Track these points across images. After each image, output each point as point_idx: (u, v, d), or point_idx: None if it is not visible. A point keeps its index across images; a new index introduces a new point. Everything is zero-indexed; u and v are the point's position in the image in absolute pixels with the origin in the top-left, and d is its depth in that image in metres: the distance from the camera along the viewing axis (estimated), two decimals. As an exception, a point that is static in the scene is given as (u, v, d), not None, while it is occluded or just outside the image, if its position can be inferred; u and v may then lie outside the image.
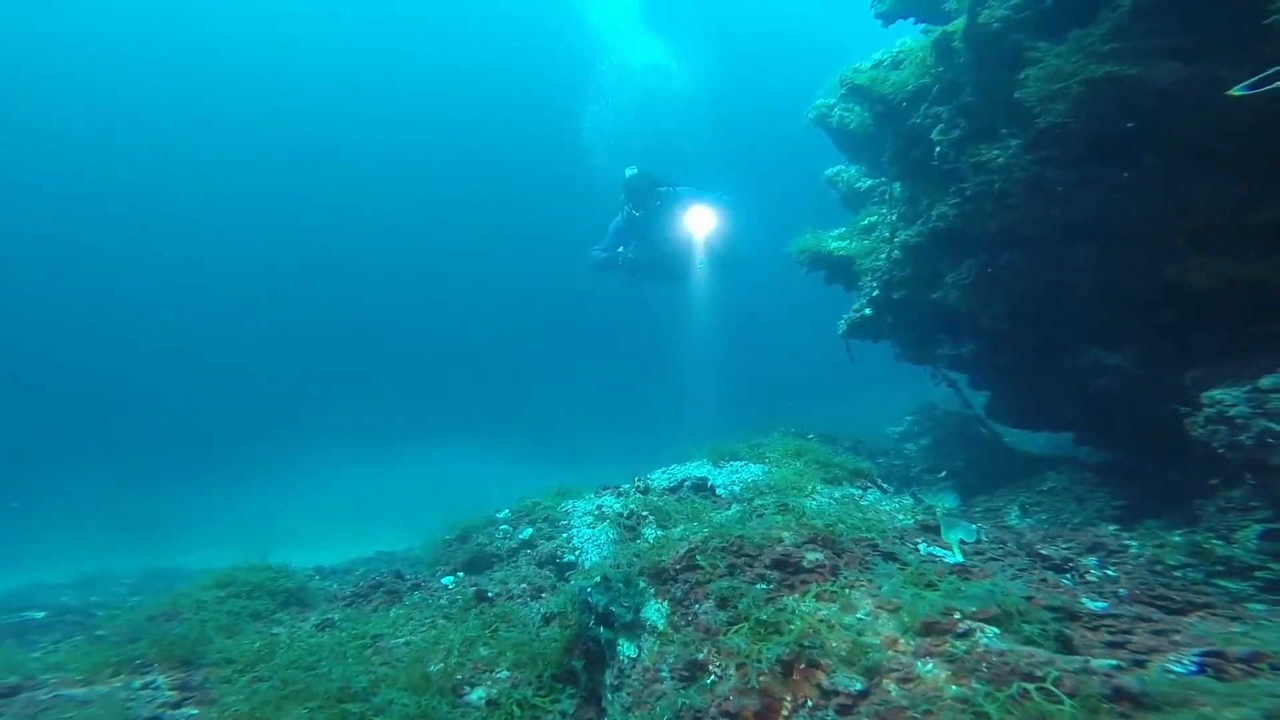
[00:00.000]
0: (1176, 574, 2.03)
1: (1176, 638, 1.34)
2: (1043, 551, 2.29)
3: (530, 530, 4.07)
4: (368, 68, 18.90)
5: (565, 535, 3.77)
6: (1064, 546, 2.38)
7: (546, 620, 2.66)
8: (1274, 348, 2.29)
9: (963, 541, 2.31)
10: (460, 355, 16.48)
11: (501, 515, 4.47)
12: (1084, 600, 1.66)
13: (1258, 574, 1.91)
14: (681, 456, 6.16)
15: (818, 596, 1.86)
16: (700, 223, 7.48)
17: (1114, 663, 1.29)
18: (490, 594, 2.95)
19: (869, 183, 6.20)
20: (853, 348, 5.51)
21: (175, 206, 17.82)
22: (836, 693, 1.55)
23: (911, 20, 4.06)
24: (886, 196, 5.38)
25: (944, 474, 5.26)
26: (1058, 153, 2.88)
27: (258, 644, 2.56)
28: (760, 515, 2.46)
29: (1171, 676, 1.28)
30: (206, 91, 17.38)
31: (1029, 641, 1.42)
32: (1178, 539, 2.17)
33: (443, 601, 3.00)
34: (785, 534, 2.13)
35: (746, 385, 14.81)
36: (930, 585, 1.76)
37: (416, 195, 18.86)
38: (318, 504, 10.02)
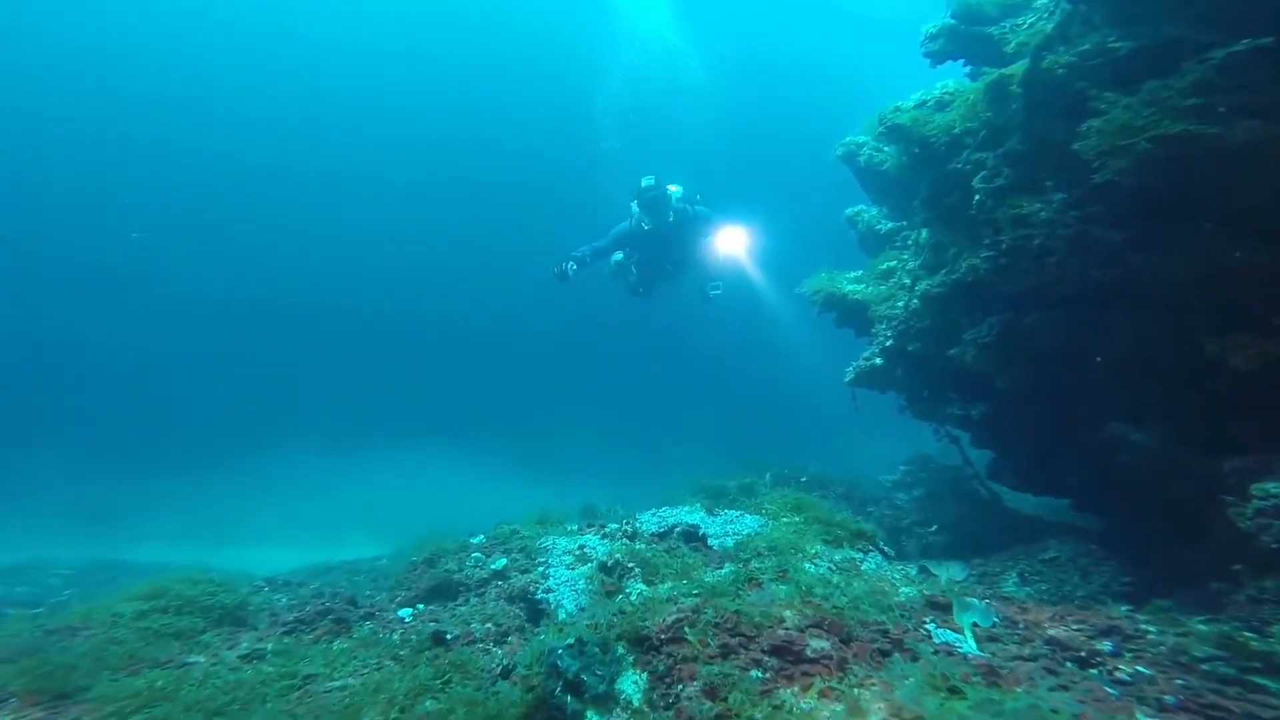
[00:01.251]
0: (1205, 667, 1.79)
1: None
2: (1056, 635, 2.05)
3: (504, 561, 3.77)
4: (354, 52, 18.35)
5: (541, 569, 3.48)
6: (1075, 628, 2.15)
7: (506, 674, 2.37)
8: None
9: (976, 626, 2.05)
10: (448, 359, 16.10)
11: (475, 540, 4.17)
12: (1139, 717, 1.40)
13: None
14: (670, 488, 5.91)
15: (821, 694, 1.59)
16: (733, 244, 7.20)
17: None
18: (449, 635, 2.66)
19: (890, 225, 6.03)
20: (858, 396, 5.28)
21: (149, 195, 17.35)
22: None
23: (961, 62, 3.92)
24: (910, 242, 5.21)
25: (935, 528, 5.05)
26: (1107, 210, 2.68)
27: (160, 681, 2.24)
28: (758, 584, 2.20)
29: None
30: (173, 82, 16.91)
31: None
32: (1203, 628, 1.97)
33: (395, 638, 2.71)
34: (788, 613, 1.86)
35: (743, 412, 14.54)
36: (955, 691, 1.50)
37: (404, 189, 18.37)
38: (289, 503, 9.66)
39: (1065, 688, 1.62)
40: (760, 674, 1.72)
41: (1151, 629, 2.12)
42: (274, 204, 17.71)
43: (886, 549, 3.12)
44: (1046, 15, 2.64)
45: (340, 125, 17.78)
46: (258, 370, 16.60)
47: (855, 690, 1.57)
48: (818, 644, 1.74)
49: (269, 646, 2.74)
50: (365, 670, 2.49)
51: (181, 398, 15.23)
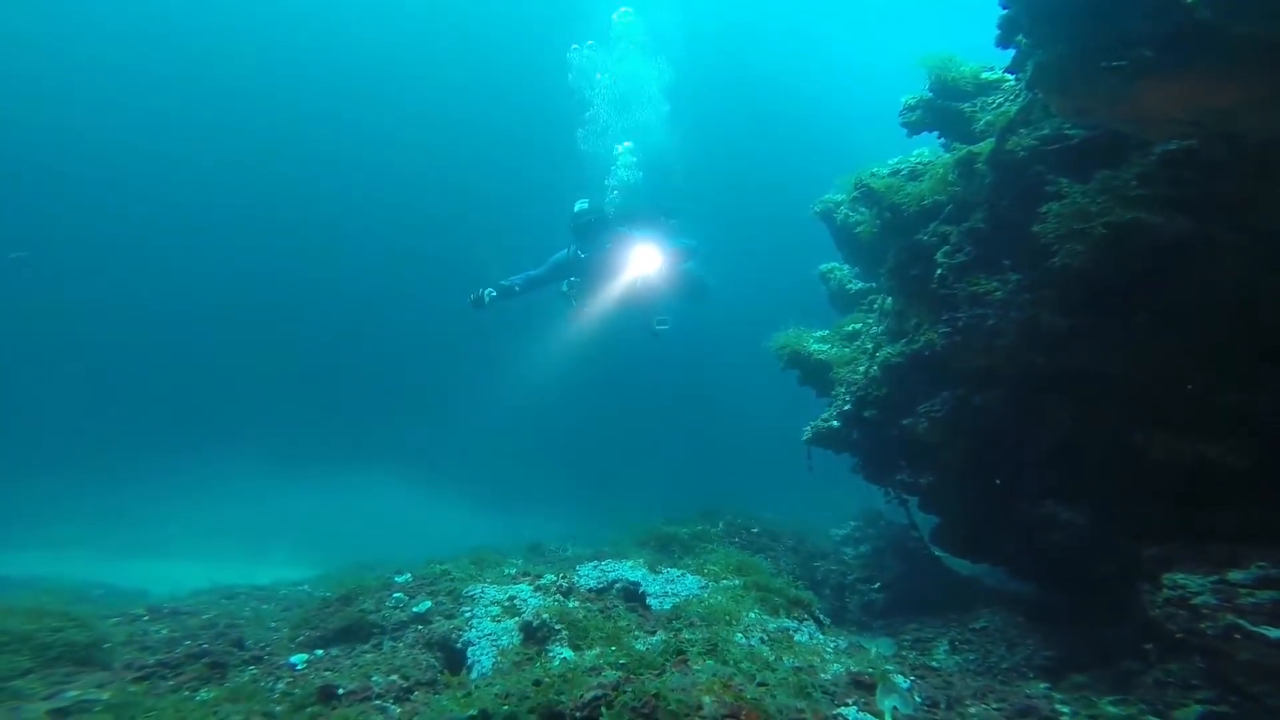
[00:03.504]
0: None
1: None
2: (975, 714, 1.99)
3: (429, 604, 3.52)
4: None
5: (466, 615, 3.25)
6: (995, 707, 2.12)
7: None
8: (1231, 535, 2.20)
9: (896, 710, 1.96)
10: (408, 382, 15.52)
11: (400, 579, 3.90)
12: None
13: None
14: (624, 530, 5.72)
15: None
16: (643, 265, 6.91)
17: None
18: (340, 691, 2.40)
19: (860, 285, 6.15)
20: (814, 455, 5.28)
21: (87, 182, 16.47)
22: None
23: (936, 134, 4.05)
24: (876, 306, 5.29)
25: (878, 585, 5.05)
26: (1058, 295, 2.75)
27: None
28: (684, 659, 2.05)
29: None
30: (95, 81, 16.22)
31: None
32: (1113, 709, 1.97)
33: (278, 688, 2.43)
34: (706, 699, 1.72)
35: (704, 451, 14.39)
36: None
37: (370, 194, 17.94)
38: (211, 514, 8.99)
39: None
40: (673, 769, 1.57)
41: (1065, 710, 2.14)
42: (233, 202, 17.04)
43: (822, 617, 3.02)
44: (1013, 97, 2.76)
45: (292, 127, 17.29)
46: (192, 370, 15.65)
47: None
48: (735, 737, 1.60)
49: (104, 696, 2.35)
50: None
51: (98, 392, 14.19)
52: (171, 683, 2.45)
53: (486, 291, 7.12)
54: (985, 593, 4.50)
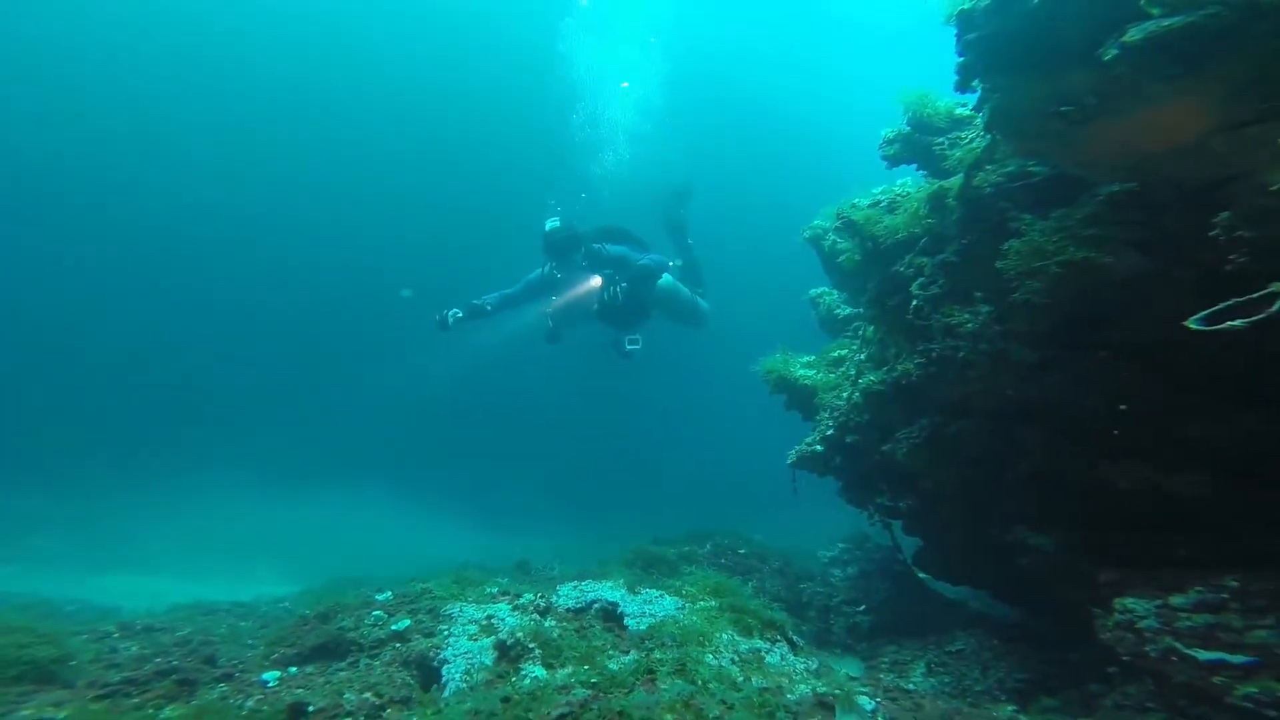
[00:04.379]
0: None
1: None
2: None
3: (408, 621, 3.56)
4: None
5: (444, 634, 3.28)
6: None
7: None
8: (1182, 563, 2.28)
9: None
10: (397, 396, 15.47)
11: (381, 597, 3.93)
12: None
13: None
14: (612, 551, 5.76)
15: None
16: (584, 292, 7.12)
17: None
18: (310, 709, 2.44)
19: (848, 311, 6.28)
20: (799, 478, 5.37)
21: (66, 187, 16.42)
22: None
23: (915, 166, 4.22)
24: (859, 334, 5.42)
25: (863, 608, 5.11)
26: (1025, 329, 2.87)
27: None
28: (652, 678, 2.11)
29: None
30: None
31: None
32: None
33: (247, 705, 2.45)
34: (668, 717, 1.78)
35: (695, 474, 14.39)
36: None
37: (358, 206, 17.91)
38: (192, 529, 8.94)
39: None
40: (632, 784, 1.63)
41: None
42: (216, 212, 17.05)
43: (796, 639, 3.08)
44: (981, 134, 2.91)
45: (282, 133, 17.37)
46: (175, 383, 15.57)
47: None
48: (695, 754, 1.67)
49: (60, 716, 2.37)
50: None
51: (77, 406, 14.09)
52: (136, 700, 2.47)
53: (451, 312, 7.19)
54: (965, 616, 4.59)
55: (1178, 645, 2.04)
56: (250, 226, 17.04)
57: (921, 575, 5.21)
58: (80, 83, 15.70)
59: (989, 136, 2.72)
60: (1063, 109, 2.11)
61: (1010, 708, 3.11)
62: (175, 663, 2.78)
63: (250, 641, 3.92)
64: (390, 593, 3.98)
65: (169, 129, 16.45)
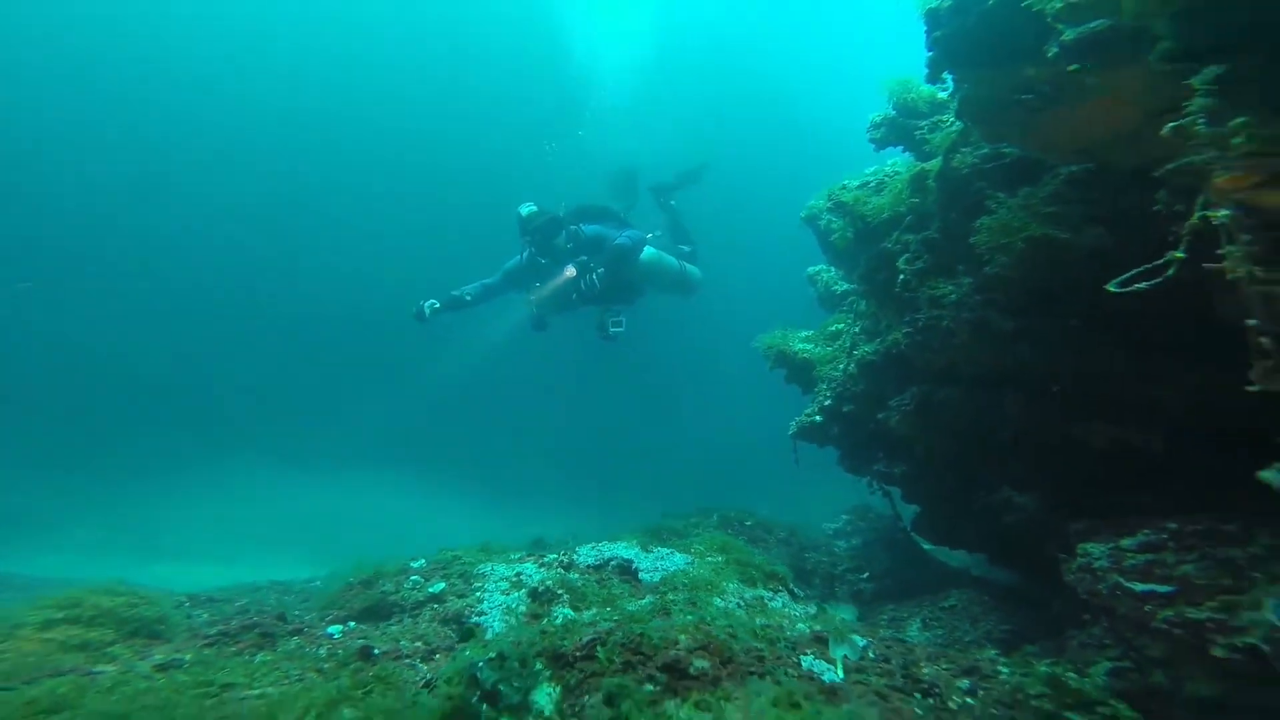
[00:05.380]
0: (1033, 703, 2.14)
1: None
2: (922, 672, 2.39)
3: (443, 585, 3.95)
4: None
5: (477, 594, 3.67)
6: (945, 667, 2.54)
7: (428, 686, 2.56)
8: (1144, 512, 2.57)
9: (846, 658, 2.38)
10: (407, 382, 15.88)
11: (416, 565, 4.33)
12: None
13: (1099, 709, 2.07)
14: (621, 526, 6.12)
15: (696, 704, 1.89)
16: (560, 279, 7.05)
17: None
18: (376, 651, 2.83)
19: (845, 287, 6.57)
20: (800, 449, 5.69)
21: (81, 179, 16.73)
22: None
23: (901, 148, 4.48)
24: (854, 308, 5.72)
25: (866, 575, 5.43)
26: (1002, 299, 3.16)
27: (62, 688, 2.32)
28: (668, 613, 2.47)
29: None
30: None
31: None
32: (1043, 669, 2.35)
33: (321, 652, 2.86)
34: (682, 636, 2.15)
35: (702, 452, 14.75)
36: (795, 705, 1.81)
37: (368, 194, 18.06)
38: (219, 518, 9.41)
39: (883, 700, 1.96)
40: (652, 687, 1.99)
41: (1005, 670, 2.52)
42: (238, 201, 17.39)
43: (796, 590, 3.43)
44: (955, 120, 3.18)
45: (284, 120, 17.61)
46: (196, 375, 16.05)
47: (723, 703, 1.86)
48: (700, 664, 2.03)
49: (187, 657, 2.84)
50: (287, 681, 2.63)
51: (107, 398, 14.59)
52: (234, 648, 2.89)
53: (428, 304, 7.20)
54: (959, 577, 4.90)
55: (1121, 580, 2.36)
56: (268, 217, 17.43)
57: (919, 541, 5.54)
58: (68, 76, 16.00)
59: (962, 122, 2.99)
60: (1022, 98, 2.39)
61: (993, 652, 3.46)
62: (255, 619, 3.19)
63: (298, 611, 4.34)
64: (423, 560, 4.38)
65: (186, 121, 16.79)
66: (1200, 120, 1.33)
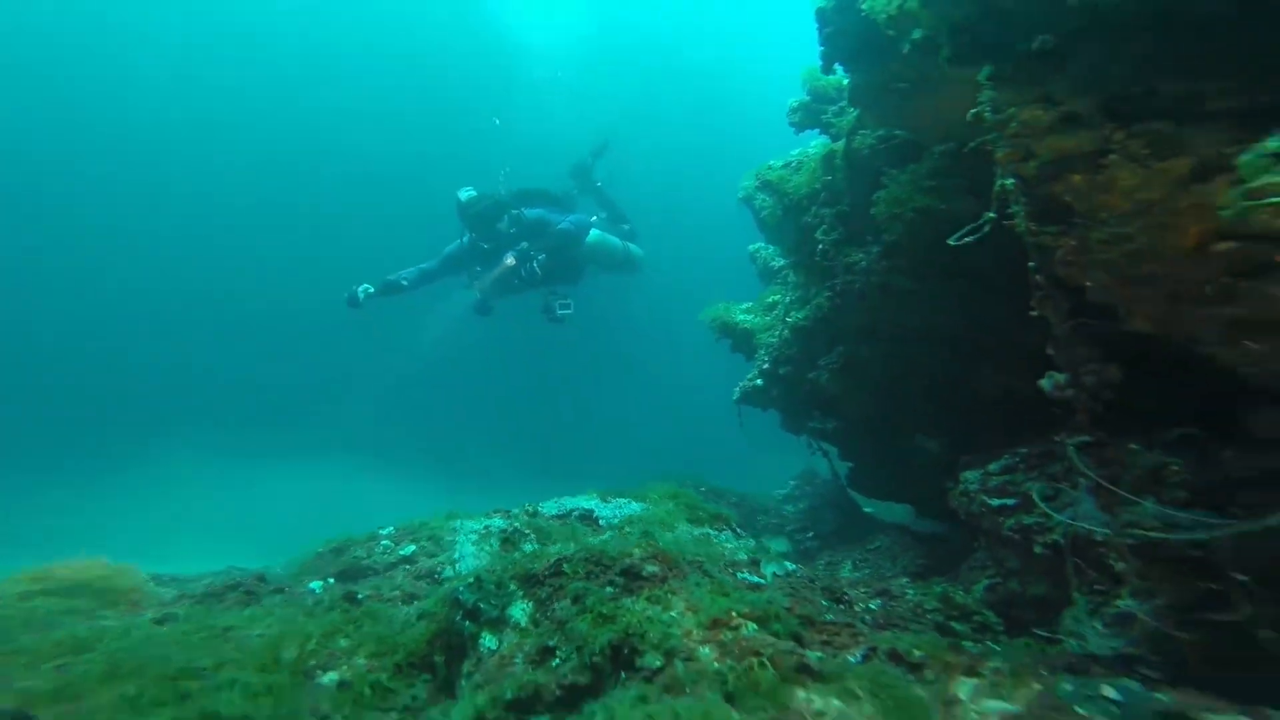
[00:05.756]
0: (928, 616, 2.66)
1: (863, 640, 1.92)
2: (841, 591, 2.89)
3: (414, 547, 4.22)
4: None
5: (449, 554, 3.98)
6: (862, 591, 3.02)
7: (418, 618, 2.90)
8: (1022, 445, 3.09)
9: (775, 575, 2.87)
10: (358, 365, 15.62)
11: (385, 531, 4.57)
12: (827, 615, 2.23)
13: (975, 618, 2.61)
14: (574, 490, 6.49)
15: (648, 599, 2.31)
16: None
17: (819, 654, 1.85)
18: (360, 596, 3.13)
19: (781, 262, 7.11)
20: (745, 414, 6.20)
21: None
22: (644, 669, 2.00)
23: (816, 131, 4.98)
24: (786, 279, 6.27)
25: (811, 534, 5.99)
26: (904, 263, 3.70)
27: (82, 631, 2.55)
28: (626, 541, 2.89)
29: (844, 661, 1.86)
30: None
31: (774, 634, 1.95)
32: (938, 589, 2.87)
33: (308, 603, 3.12)
34: (636, 550, 2.57)
35: (657, 428, 15.21)
36: (725, 594, 2.27)
37: (301, 170, 17.64)
38: (160, 514, 9.21)
39: (795, 594, 2.46)
40: (612, 589, 2.41)
41: (911, 592, 3.05)
42: (181, 185, 16.57)
43: (739, 530, 3.92)
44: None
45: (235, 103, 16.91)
46: (123, 364, 15.27)
47: (669, 596, 2.30)
48: (651, 568, 2.46)
49: (180, 612, 3.05)
50: (281, 624, 2.90)
51: (36, 389, 13.75)
52: (222, 605, 3.12)
53: (362, 288, 7.26)
54: (890, 526, 5.36)
55: (984, 498, 2.91)
56: (196, 198, 16.64)
57: (855, 497, 6.10)
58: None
59: (855, 109, 3.48)
60: (896, 86, 2.87)
61: (905, 580, 3.88)
62: (237, 580, 3.40)
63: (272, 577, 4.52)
64: (392, 527, 4.64)
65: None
66: (987, 109, 1.80)
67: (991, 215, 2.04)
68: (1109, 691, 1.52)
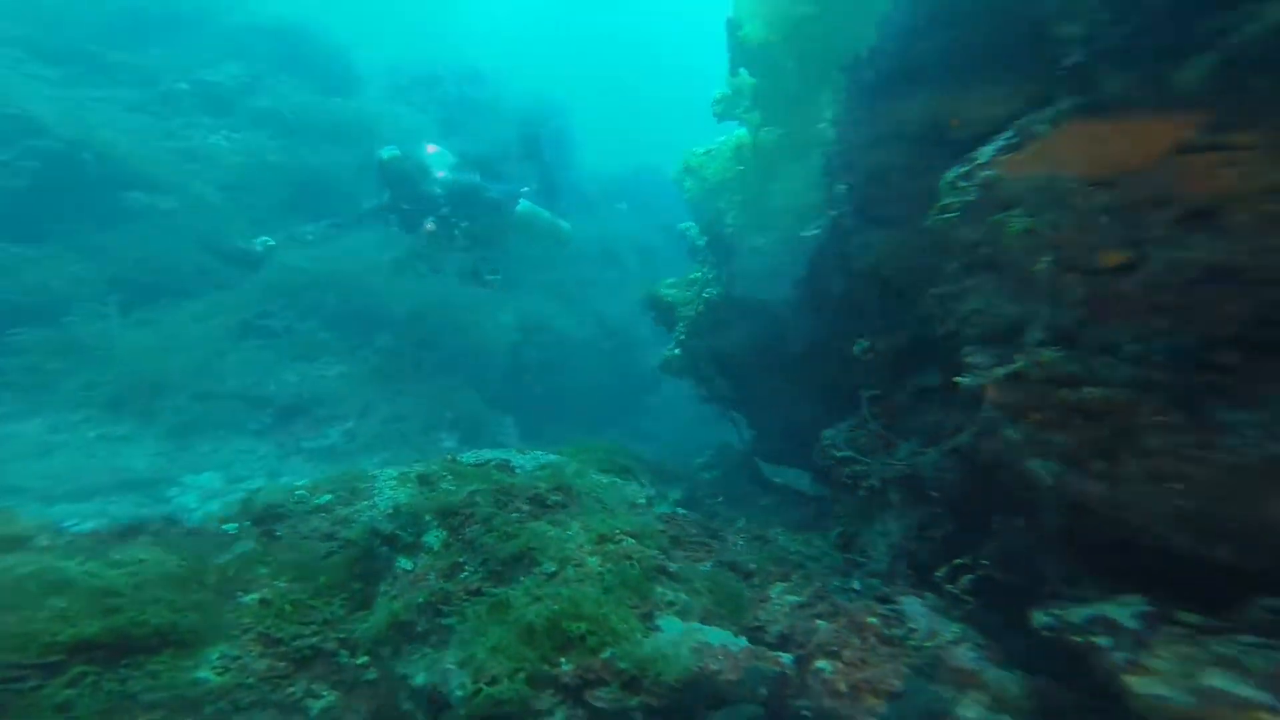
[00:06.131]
0: (791, 557, 3.16)
1: (714, 555, 2.41)
2: (721, 532, 3.36)
3: (330, 496, 4.36)
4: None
5: (367, 502, 4.16)
6: (742, 539, 3.50)
7: (340, 547, 3.13)
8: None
9: (663, 514, 3.32)
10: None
11: (300, 483, 4.68)
12: (694, 539, 2.71)
13: (824, 560, 3.15)
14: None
15: (549, 522, 2.69)
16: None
17: (678, 566, 2.31)
18: (278, 533, 3.32)
19: (702, 241, 7.57)
20: (679, 396, 6.62)
21: None
22: (542, 573, 2.37)
23: (736, 122, 5.41)
24: (704, 258, 6.73)
25: (720, 499, 6.56)
26: (796, 247, 4.21)
27: None
28: (535, 479, 3.24)
29: (697, 569, 2.33)
30: None
31: (647, 548, 2.40)
32: (801, 537, 3.42)
33: (225, 541, 3.26)
34: (542, 483, 2.94)
35: (589, 402, 15.43)
36: (614, 516, 2.68)
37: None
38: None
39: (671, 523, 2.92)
40: (518, 515, 2.77)
41: (782, 538, 3.54)
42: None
43: (643, 482, 4.35)
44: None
45: None
46: None
47: (569, 520, 2.69)
48: (555, 498, 2.84)
49: (87, 548, 3.08)
50: (198, 556, 3.03)
51: None
52: (135, 544, 3.15)
53: (261, 240, 7.03)
54: (784, 489, 5.96)
55: (833, 452, 3.47)
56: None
57: (759, 463, 6.67)
58: None
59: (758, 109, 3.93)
60: (780, 94, 3.31)
61: (780, 529, 4.34)
62: (141, 523, 3.43)
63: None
64: (307, 480, 4.75)
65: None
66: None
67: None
68: (855, 585, 2.12)
